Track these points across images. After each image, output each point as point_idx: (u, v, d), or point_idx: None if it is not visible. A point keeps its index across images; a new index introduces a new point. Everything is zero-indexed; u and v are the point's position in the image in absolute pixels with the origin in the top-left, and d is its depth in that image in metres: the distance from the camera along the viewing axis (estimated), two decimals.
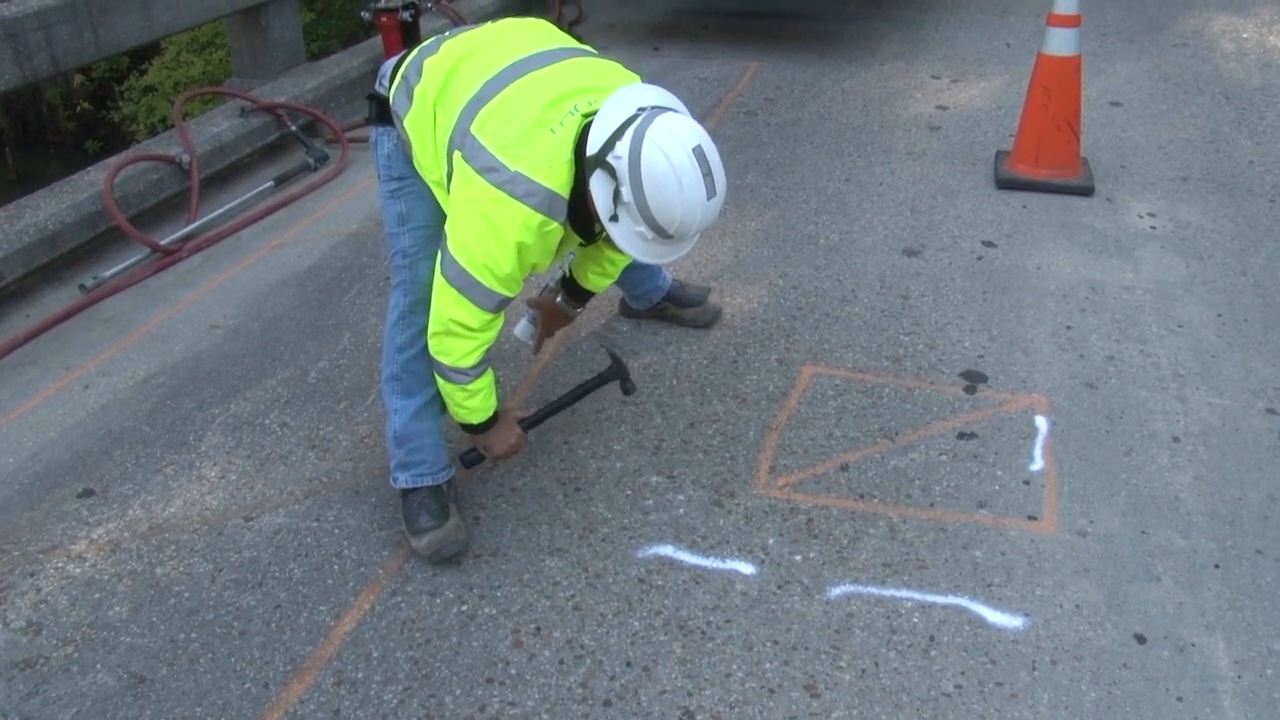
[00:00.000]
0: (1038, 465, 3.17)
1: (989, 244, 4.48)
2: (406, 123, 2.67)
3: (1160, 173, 5.18)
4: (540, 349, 3.33)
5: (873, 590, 2.74)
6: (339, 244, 4.63)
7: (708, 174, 2.40)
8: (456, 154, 2.52)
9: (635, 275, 3.66)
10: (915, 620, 2.65)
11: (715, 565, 2.83)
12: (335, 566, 2.85)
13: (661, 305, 3.81)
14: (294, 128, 5.64)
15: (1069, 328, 3.85)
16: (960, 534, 2.91)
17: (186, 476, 3.21)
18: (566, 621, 2.66)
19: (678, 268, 4.18)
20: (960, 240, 4.51)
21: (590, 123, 2.45)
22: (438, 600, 2.73)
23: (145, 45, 6.63)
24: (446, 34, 2.78)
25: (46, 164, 11.34)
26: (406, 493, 2.92)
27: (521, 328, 3.26)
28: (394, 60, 2.81)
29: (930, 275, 4.22)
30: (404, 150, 2.77)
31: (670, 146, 2.36)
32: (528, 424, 3.00)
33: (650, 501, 3.05)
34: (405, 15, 6.07)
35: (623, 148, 2.37)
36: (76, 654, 2.60)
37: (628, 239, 2.47)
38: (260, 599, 2.75)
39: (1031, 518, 2.97)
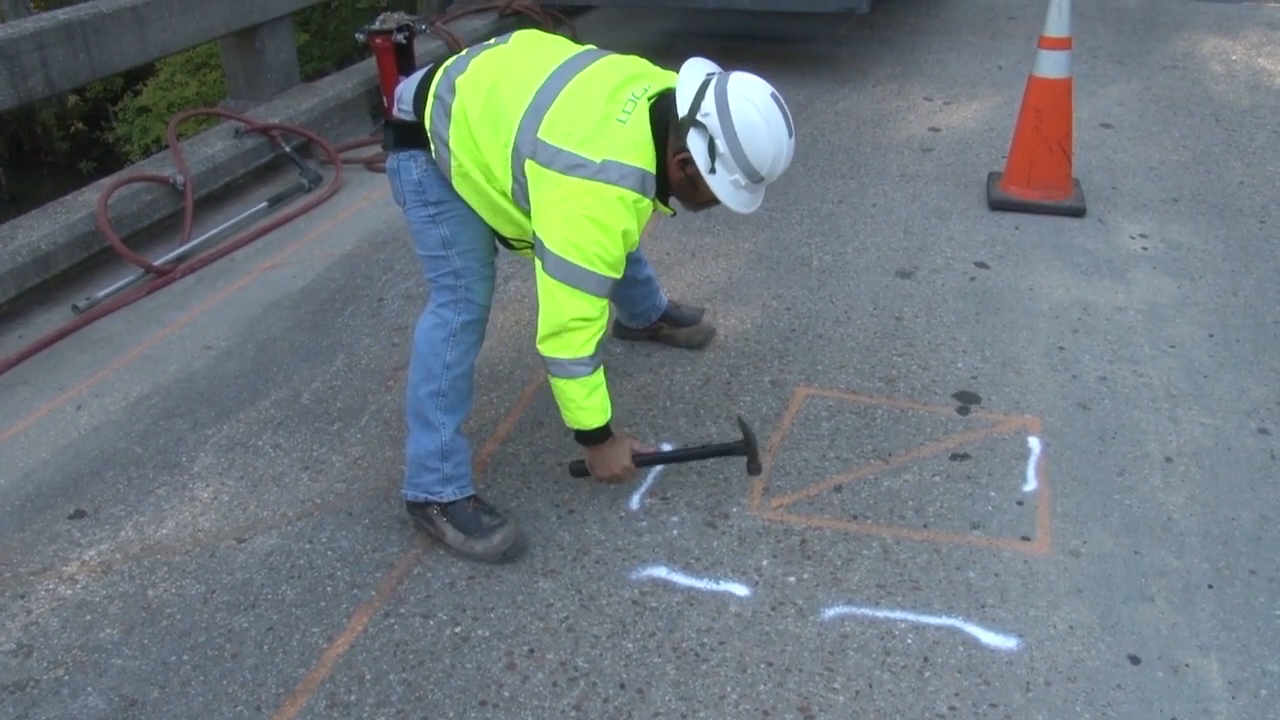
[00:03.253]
0: (1031, 486, 3.17)
1: (982, 265, 4.49)
2: (451, 141, 2.72)
3: (1151, 194, 5.20)
4: None
5: (867, 611, 2.73)
6: (333, 265, 4.63)
7: (785, 115, 2.68)
8: (529, 162, 2.63)
9: (634, 293, 3.67)
10: (909, 641, 2.64)
11: (709, 587, 2.82)
12: (328, 588, 2.84)
13: (657, 325, 3.81)
14: (288, 149, 5.64)
15: (1061, 348, 3.86)
16: (954, 555, 2.91)
17: (179, 498, 3.20)
18: (560, 644, 2.65)
19: (672, 288, 4.19)
20: (953, 261, 4.53)
21: (656, 103, 2.68)
22: (431, 622, 2.72)
23: (140, 66, 6.64)
24: (466, 52, 2.84)
25: (40, 184, 11.34)
26: (449, 506, 2.92)
27: None
28: (411, 85, 2.85)
29: (923, 296, 4.24)
30: (438, 173, 2.81)
31: (753, 95, 2.62)
32: (641, 460, 2.99)
33: (644, 523, 3.05)
34: (399, 38, 6.08)
35: (709, 105, 2.59)
36: (67, 676, 2.59)
37: (724, 188, 2.66)
38: (253, 621, 2.74)
39: (1025, 538, 2.97)
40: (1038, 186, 5.02)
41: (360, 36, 6.31)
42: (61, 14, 4.88)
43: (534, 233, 2.67)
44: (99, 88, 11.77)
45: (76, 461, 3.38)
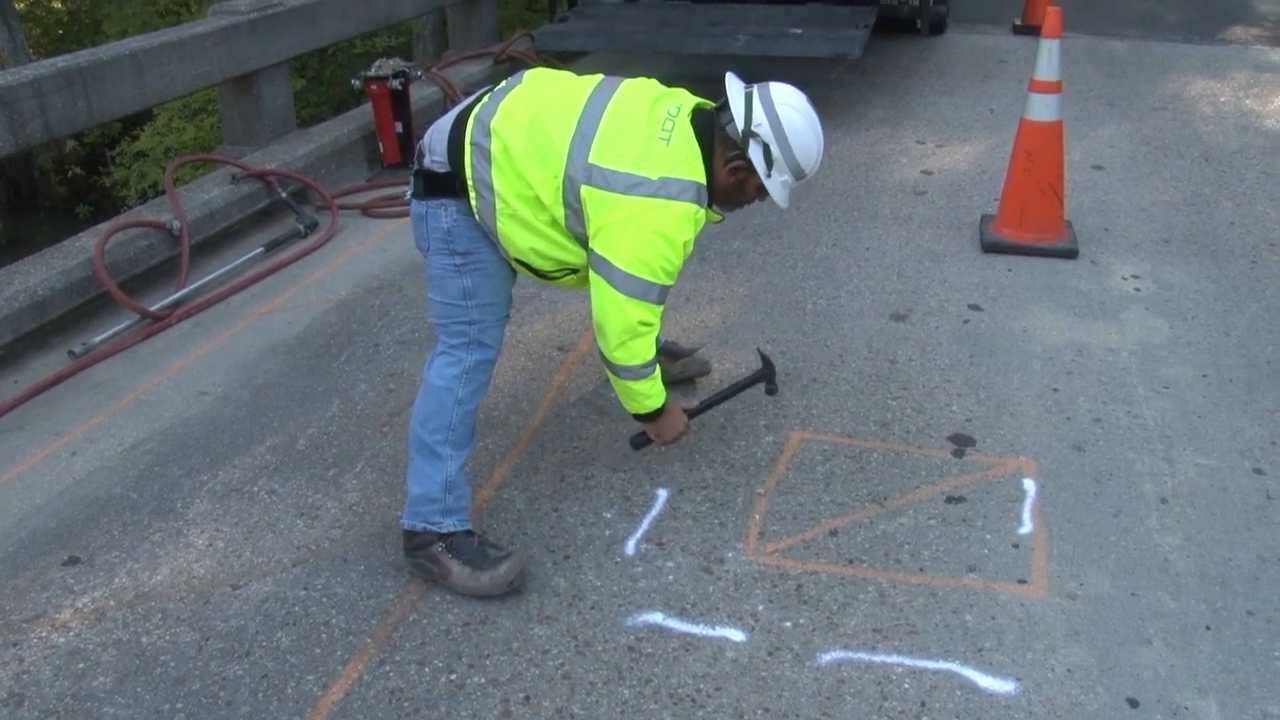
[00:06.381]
0: (1027, 528, 3.17)
1: (975, 308, 4.51)
2: (496, 183, 2.82)
3: (1143, 235, 5.24)
4: None
5: (863, 656, 2.72)
6: (329, 310, 4.64)
7: (817, 117, 2.96)
8: (585, 188, 2.78)
9: None
10: (906, 686, 2.63)
11: (705, 632, 2.81)
12: (323, 635, 2.83)
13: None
14: (284, 194, 5.67)
15: (1056, 390, 3.87)
16: (950, 598, 2.91)
17: (174, 544, 3.19)
18: (556, 691, 2.63)
19: (667, 332, 4.19)
20: (946, 304, 4.55)
21: (694, 118, 2.90)
22: (426, 669, 2.71)
23: (138, 112, 6.69)
24: (489, 97, 2.92)
25: (37, 229, 11.39)
26: (453, 540, 2.94)
27: None
28: (440, 136, 2.90)
29: (917, 339, 4.25)
30: (468, 224, 2.90)
31: (795, 102, 2.91)
32: (691, 414, 3.33)
33: (639, 569, 3.04)
34: (395, 83, 6.14)
35: (759, 115, 2.86)
36: None
37: (777, 189, 2.94)
38: (247, 669, 2.72)
39: (1021, 581, 2.96)
40: (1030, 229, 5.05)
41: (356, 83, 6.36)
42: (60, 61, 4.91)
43: (595, 253, 2.83)
44: (97, 133, 11.85)
45: (71, 508, 3.37)
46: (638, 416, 3.16)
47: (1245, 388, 3.88)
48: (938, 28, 9.64)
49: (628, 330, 2.87)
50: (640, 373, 2.98)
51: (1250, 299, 4.56)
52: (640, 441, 3.31)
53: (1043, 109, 4.94)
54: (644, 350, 2.93)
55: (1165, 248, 5.09)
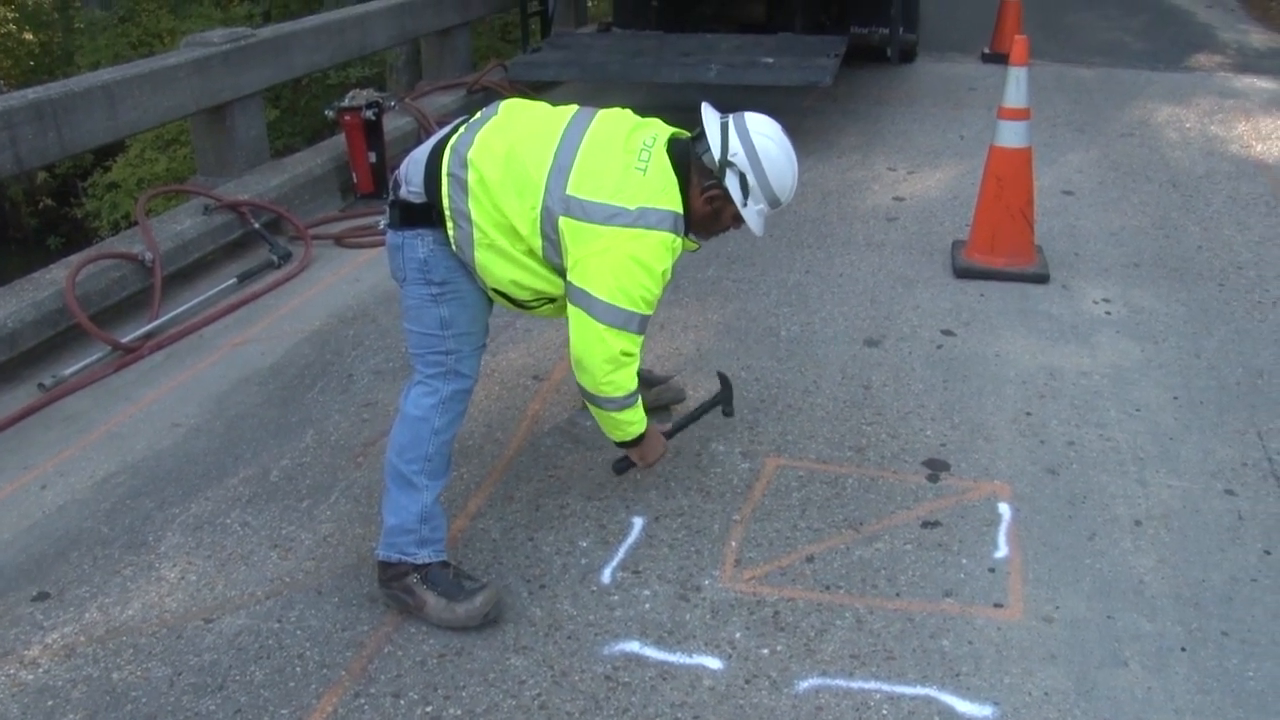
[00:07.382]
0: (1002, 552, 3.18)
1: (948, 333, 4.54)
2: (473, 213, 2.83)
3: (1113, 259, 5.29)
4: None
5: (841, 682, 2.72)
6: (302, 341, 4.62)
7: (791, 146, 2.99)
8: (562, 219, 2.79)
9: None
10: (884, 712, 2.63)
11: (682, 660, 2.80)
12: (297, 669, 2.80)
13: None
14: (257, 225, 5.65)
15: (1029, 414, 3.89)
16: (927, 623, 2.91)
17: (145, 578, 3.16)
18: None
19: (641, 360, 4.19)
20: (920, 329, 4.57)
21: (670, 148, 2.94)
22: (401, 702, 2.68)
23: (110, 144, 6.66)
24: (466, 128, 2.93)
25: (8, 261, 11.31)
26: (428, 571, 2.91)
27: None
28: (417, 166, 2.91)
29: (891, 365, 4.27)
30: (445, 253, 2.90)
31: (770, 132, 2.94)
32: (668, 434, 3.39)
33: (615, 597, 3.03)
34: (369, 114, 6.15)
35: (735, 145, 2.89)
36: None
37: (753, 217, 2.96)
38: (220, 703, 2.69)
39: (998, 605, 2.97)
40: (1001, 254, 5.09)
41: (330, 113, 6.37)
42: (31, 93, 4.89)
43: (572, 284, 2.83)
44: (68, 164, 11.80)
45: (41, 542, 3.33)
46: (620, 444, 3.16)
47: (1216, 409, 3.91)
48: (908, 56, 9.73)
49: (610, 361, 2.87)
50: (624, 403, 2.99)
51: (1219, 321, 4.61)
52: (623, 466, 3.31)
53: (1012, 135, 4.99)
54: (626, 381, 2.94)
55: (1135, 271, 5.14)
